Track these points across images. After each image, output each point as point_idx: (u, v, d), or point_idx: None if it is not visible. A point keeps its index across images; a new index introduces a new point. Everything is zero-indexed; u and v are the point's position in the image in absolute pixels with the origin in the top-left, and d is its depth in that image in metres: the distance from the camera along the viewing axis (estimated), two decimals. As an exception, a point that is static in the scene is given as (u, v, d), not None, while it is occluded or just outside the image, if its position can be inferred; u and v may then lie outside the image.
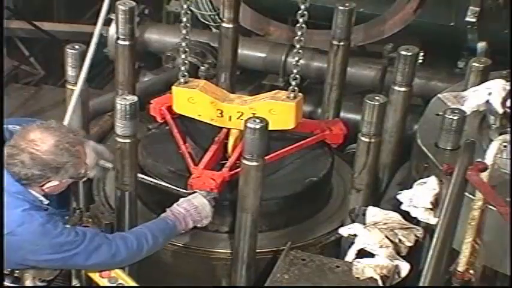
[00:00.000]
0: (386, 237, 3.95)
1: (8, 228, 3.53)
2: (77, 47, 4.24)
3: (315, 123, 4.74)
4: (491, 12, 5.47)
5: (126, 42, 4.62)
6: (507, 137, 3.71)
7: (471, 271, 3.62)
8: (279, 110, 4.23)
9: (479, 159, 3.55)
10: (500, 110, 4.06)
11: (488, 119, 4.09)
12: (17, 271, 3.78)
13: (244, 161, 3.82)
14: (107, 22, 5.66)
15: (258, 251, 4.13)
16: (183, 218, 3.95)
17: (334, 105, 5.02)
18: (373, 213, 4.06)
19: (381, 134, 4.13)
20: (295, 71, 4.24)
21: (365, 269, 3.89)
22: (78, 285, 4.07)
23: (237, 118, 4.29)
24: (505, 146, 3.70)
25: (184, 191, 4.12)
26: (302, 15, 4.16)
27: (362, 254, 3.96)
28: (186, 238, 4.22)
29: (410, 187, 3.96)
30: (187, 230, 4.02)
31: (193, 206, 3.99)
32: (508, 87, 4.16)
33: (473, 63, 4.42)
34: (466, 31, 5.49)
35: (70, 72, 4.27)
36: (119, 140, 3.87)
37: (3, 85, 5.94)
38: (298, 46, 4.21)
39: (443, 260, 3.49)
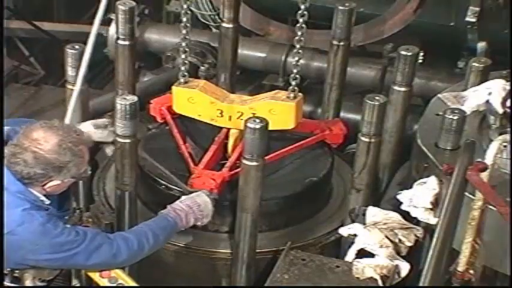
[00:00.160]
0: (387, 237, 3.95)
1: (8, 227, 3.53)
2: (77, 47, 4.24)
3: (315, 123, 4.74)
4: (491, 12, 5.47)
5: (126, 42, 4.62)
6: (507, 137, 3.71)
7: (471, 271, 3.62)
8: (279, 110, 4.23)
9: (479, 159, 3.56)
10: (500, 110, 4.06)
11: (488, 119, 4.09)
12: (17, 271, 3.78)
13: (244, 161, 3.82)
14: (107, 22, 5.67)
15: (258, 251, 4.13)
16: (185, 215, 3.94)
17: (334, 105, 5.02)
18: (373, 213, 4.07)
19: (381, 134, 4.13)
20: (295, 71, 4.24)
21: (365, 269, 3.89)
22: (78, 285, 4.07)
23: (237, 118, 4.29)
24: (505, 146, 3.70)
25: (185, 187, 4.13)
26: (302, 15, 4.16)
27: (362, 254, 3.96)
28: (186, 238, 4.22)
29: (410, 187, 3.96)
30: (187, 227, 4.01)
31: (196, 204, 3.99)
32: (508, 87, 4.16)
33: (473, 63, 4.42)
34: (466, 31, 5.49)
35: (70, 72, 4.27)
36: (119, 140, 3.87)
37: (3, 85, 5.94)
38: (298, 46, 4.21)
39: (443, 260, 3.49)
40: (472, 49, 5.56)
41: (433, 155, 3.98)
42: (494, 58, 4.70)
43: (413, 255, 4.00)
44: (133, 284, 3.79)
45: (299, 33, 4.19)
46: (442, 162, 3.80)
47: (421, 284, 3.43)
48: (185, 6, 4.34)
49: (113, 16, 5.26)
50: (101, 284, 3.78)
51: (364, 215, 4.09)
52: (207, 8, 6.17)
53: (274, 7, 6.14)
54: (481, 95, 4.21)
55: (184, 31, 4.38)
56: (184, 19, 4.36)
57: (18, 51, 7.06)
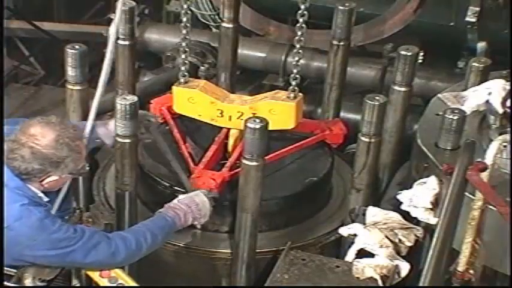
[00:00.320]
0: (387, 237, 3.95)
1: (5, 222, 3.52)
2: (77, 47, 4.23)
3: (315, 123, 4.74)
4: (491, 12, 5.47)
5: (126, 42, 4.62)
6: (507, 137, 3.71)
7: (471, 271, 3.62)
8: (279, 110, 4.23)
9: (479, 159, 3.56)
10: (500, 110, 4.06)
11: (488, 119, 4.09)
12: (17, 271, 3.78)
13: (244, 161, 3.82)
14: (107, 22, 5.66)
15: (258, 251, 4.13)
16: (183, 214, 3.93)
17: (334, 105, 5.02)
18: (373, 213, 4.07)
19: (381, 134, 4.13)
20: (295, 71, 4.24)
21: (365, 269, 3.89)
22: (78, 285, 4.07)
23: (237, 118, 4.29)
24: (505, 146, 3.70)
25: (190, 185, 4.13)
26: (302, 15, 4.16)
27: (362, 254, 3.96)
28: (186, 238, 4.22)
29: (410, 187, 3.96)
30: (185, 227, 4.01)
31: (195, 203, 3.98)
32: (508, 87, 4.16)
33: (473, 63, 4.43)
34: (466, 31, 5.49)
35: (70, 72, 4.26)
36: (119, 140, 3.87)
37: (3, 85, 5.93)
38: (298, 46, 4.21)
39: (443, 260, 3.49)
40: (472, 49, 5.56)
41: (433, 155, 3.98)
42: (494, 58, 4.71)
43: (413, 255, 4.00)
44: (133, 284, 3.79)
45: (299, 33, 4.19)
46: (442, 162, 3.80)
47: (421, 284, 3.43)
48: (185, 6, 4.34)
49: (112, 16, 5.25)
50: (101, 284, 3.78)
51: (364, 215, 4.10)
52: (207, 8, 6.17)
53: (274, 7, 6.14)
54: (481, 95, 4.21)
55: (184, 31, 4.38)
56: (184, 19, 4.36)
57: (18, 51, 7.06)
